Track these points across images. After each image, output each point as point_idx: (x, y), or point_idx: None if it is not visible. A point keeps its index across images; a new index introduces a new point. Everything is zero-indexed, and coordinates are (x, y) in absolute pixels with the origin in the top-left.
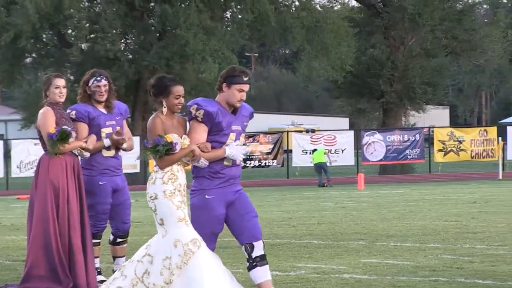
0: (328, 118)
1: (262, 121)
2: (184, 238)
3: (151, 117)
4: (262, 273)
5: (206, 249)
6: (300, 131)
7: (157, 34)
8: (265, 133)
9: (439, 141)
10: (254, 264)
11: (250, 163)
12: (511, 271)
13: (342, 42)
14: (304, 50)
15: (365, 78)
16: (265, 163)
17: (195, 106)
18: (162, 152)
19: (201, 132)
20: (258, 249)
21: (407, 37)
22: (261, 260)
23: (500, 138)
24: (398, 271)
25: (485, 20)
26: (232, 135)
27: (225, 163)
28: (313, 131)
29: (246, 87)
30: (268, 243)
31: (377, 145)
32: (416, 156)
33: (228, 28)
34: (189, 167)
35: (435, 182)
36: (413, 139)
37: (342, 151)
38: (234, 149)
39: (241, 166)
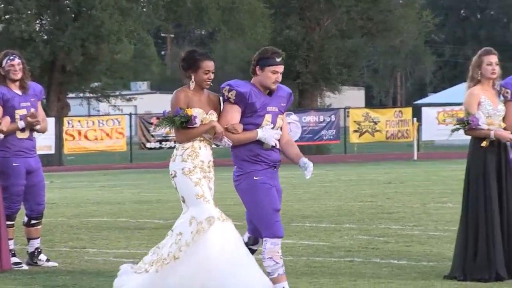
0: None
1: None
2: (199, 216)
3: (175, 90)
4: None
5: (221, 229)
6: None
7: (73, 15)
8: None
9: (355, 121)
10: None
11: (166, 144)
12: (426, 251)
13: (258, 23)
14: (220, 31)
15: None
16: None
17: (227, 87)
18: (178, 123)
19: (234, 113)
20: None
21: (322, 18)
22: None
23: (415, 119)
24: (313, 252)
25: (401, 1)
26: (268, 117)
27: (264, 146)
28: None
29: (280, 68)
30: None
31: (292, 126)
32: (331, 137)
33: (144, 9)
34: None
35: (351, 163)
36: (329, 120)
37: None
38: (267, 132)
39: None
